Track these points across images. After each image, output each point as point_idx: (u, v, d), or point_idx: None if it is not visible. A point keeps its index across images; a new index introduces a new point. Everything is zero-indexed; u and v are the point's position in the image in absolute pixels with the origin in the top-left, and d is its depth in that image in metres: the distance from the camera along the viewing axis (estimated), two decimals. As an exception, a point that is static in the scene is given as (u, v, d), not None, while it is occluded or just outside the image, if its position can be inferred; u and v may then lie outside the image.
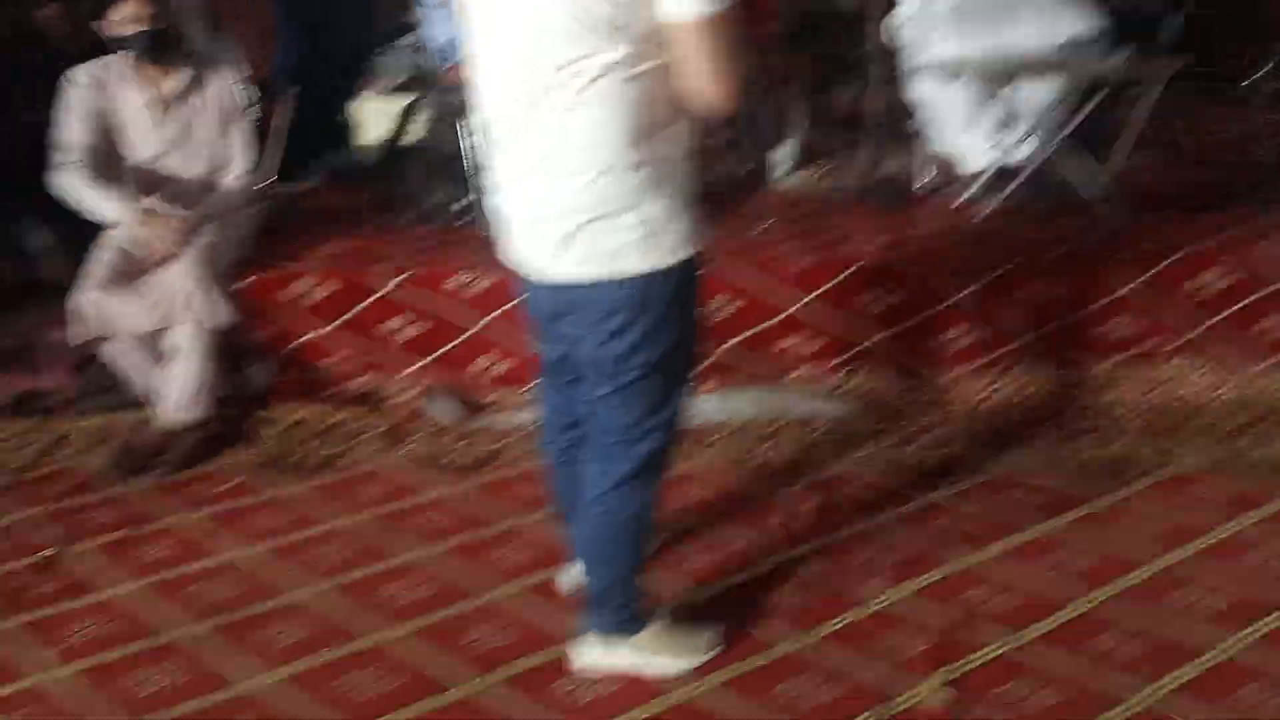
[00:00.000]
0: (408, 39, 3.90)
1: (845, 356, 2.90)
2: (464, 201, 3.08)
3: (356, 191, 3.53)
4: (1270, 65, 3.02)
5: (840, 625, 2.09)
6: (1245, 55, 3.35)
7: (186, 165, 2.89)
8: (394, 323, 2.89)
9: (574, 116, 1.55)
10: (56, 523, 2.53)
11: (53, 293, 3.86)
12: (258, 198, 2.98)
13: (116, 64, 2.84)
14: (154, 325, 2.71)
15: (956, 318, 2.88)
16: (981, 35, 3.03)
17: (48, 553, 2.39)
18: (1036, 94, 3.02)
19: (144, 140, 2.86)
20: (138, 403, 2.98)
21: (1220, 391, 2.82)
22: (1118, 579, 2.19)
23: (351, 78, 3.93)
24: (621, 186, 1.59)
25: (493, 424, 2.89)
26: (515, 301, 2.79)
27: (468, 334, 2.89)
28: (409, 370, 2.95)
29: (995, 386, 2.88)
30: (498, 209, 1.77)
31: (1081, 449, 2.70)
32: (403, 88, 3.79)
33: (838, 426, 2.79)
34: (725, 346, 2.87)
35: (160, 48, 2.77)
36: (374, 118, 3.78)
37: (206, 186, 2.91)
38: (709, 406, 2.73)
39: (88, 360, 3.07)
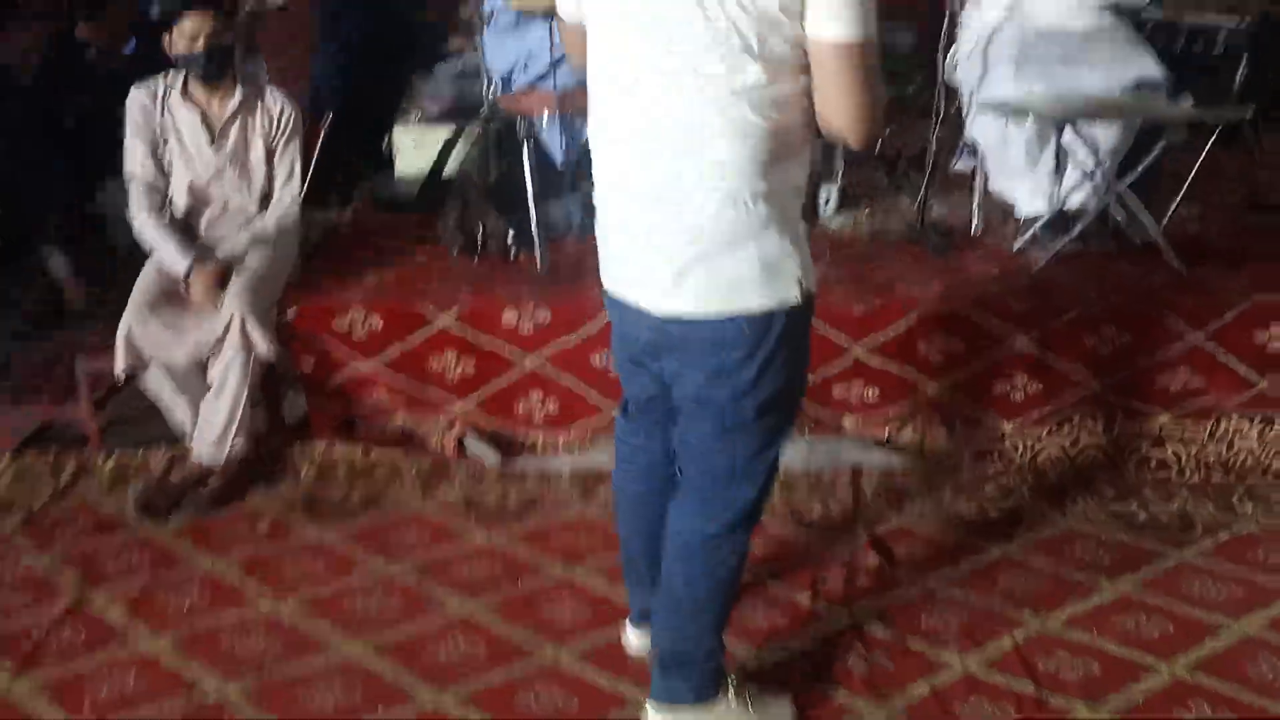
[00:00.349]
0: (450, 67, 3.85)
1: (900, 405, 2.81)
2: (514, 233, 2.99)
3: (398, 220, 3.44)
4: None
5: (917, 698, 1.99)
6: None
7: (237, 189, 2.81)
8: (442, 359, 2.79)
9: (705, 141, 1.47)
10: (76, 567, 2.41)
11: (73, 320, 3.80)
12: (301, 224, 2.89)
13: (169, 83, 2.77)
14: (199, 356, 2.62)
15: (1014, 366, 2.80)
16: (1045, 75, 2.97)
17: (66, 603, 2.27)
18: (1097, 138, 2.96)
19: (196, 163, 2.77)
20: (165, 437, 2.87)
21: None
22: (1194, 648, 2.10)
23: (391, 105, 3.86)
24: (747, 217, 1.50)
25: (533, 468, 2.79)
26: (569, 340, 2.74)
27: (516, 372, 2.79)
28: (452, 409, 2.84)
29: (1053, 437, 2.80)
30: (606, 237, 1.68)
31: (1143, 504, 2.63)
32: (445, 117, 3.71)
33: (893, 478, 2.71)
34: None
35: (219, 67, 2.70)
36: (413, 147, 3.70)
37: (252, 211, 2.83)
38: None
39: (111, 392, 2.97)
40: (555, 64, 2.85)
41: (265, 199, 2.85)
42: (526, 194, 2.89)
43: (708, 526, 1.72)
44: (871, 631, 2.17)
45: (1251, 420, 2.80)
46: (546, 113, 2.93)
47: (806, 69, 1.46)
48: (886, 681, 2.02)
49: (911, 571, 2.38)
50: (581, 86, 3.06)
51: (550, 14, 2.81)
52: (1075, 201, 3.06)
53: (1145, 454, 2.79)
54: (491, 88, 3.16)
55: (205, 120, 2.76)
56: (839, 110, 1.45)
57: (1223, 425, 2.79)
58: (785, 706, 1.92)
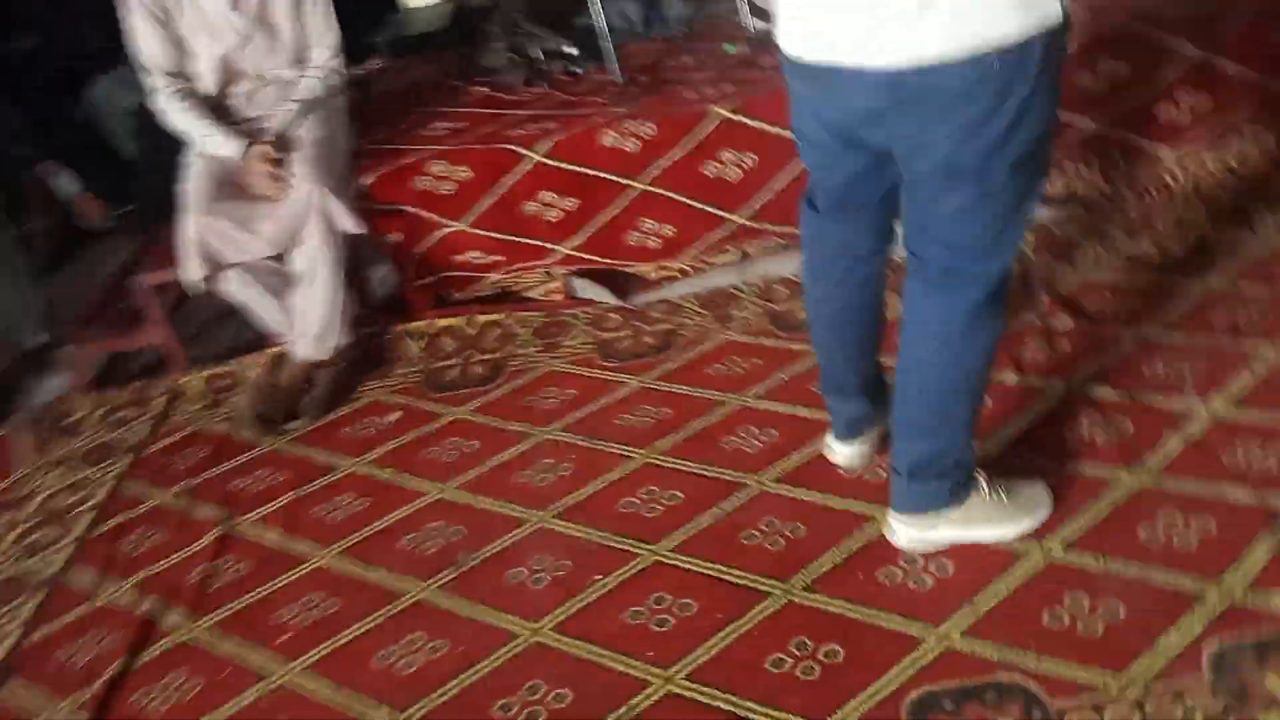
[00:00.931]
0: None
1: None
2: (577, 47, 2.63)
3: (429, 64, 3.05)
4: None
5: (1174, 453, 1.79)
6: None
7: (268, 56, 2.43)
8: (538, 201, 2.49)
9: None
10: (208, 500, 2.21)
11: (95, 243, 3.50)
12: (347, 82, 2.53)
13: None
14: (280, 247, 2.32)
15: (1176, 83, 2.48)
16: None
17: (215, 533, 2.08)
18: None
19: (218, 33, 2.39)
20: (247, 345, 2.64)
21: None
22: None
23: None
24: None
25: (654, 302, 2.54)
26: (678, 152, 2.42)
27: (623, 200, 2.49)
28: (552, 256, 2.56)
29: (1216, 156, 2.52)
30: None
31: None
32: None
33: (1050, 233, 2.44)
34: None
35: None
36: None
37: (291, 77, 2.47)
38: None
39: (177, 306, 2.71)
40: None
41: (300, 62, 2.48)
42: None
43: (959, 308, 1.47)
44: (1098, 395, 1.96)
45: None
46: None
47: None
48: (1133, 444, 1.82)
49: (1115, 325, 2.15)
50: None
51: None
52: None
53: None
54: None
55: None
56: None
57: None
58: (1040, 489, 1.72)
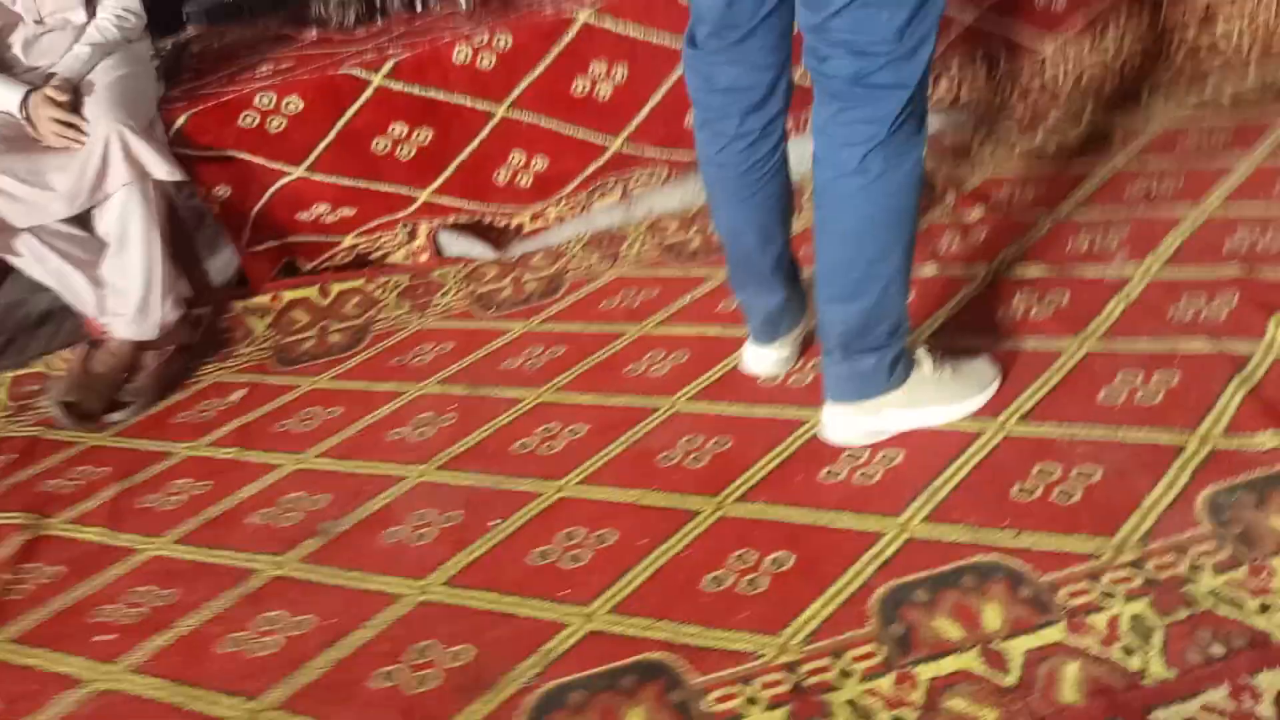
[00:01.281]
0: None
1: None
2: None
3: (254, 29, 2.71)
4: None
5: (1120, 306, 1.64)
6: None
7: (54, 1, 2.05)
8: (389, 135, 2.17)
9: None
10: (8, 508, 1.80)
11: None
12: (147, 29, 2.17)
13: None
14: (77, 205, 1.94)
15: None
16: None
17: (18, 539, 1.70)
18: None
19: None
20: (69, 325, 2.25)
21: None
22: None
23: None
24: None
25: (538, 245, 2.28)
26: (541, 66, 2.16)
27: (487, 129, 2.21)
28: (412, 204, 2.26)
29: (1094, 53, 2.44)
30: None
31: (1219, 86, 2.32)
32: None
33: (941, 140, 2.30)
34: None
35: None
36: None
37: (80, 20, 2.09)
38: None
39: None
40: None
41: (90, 3, 2.10)
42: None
43: (873, 128, 1.26)
44: (1026, 274, 1.79)
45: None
46: None
47: None
48: (1072, 313, 1.66)
49: (1027, 210, 2.02)
50: None
51: None
52: None
53: (1194, 41, 2.48)
54: None
55: None
56: None
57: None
58: (986, 363, 1.53)
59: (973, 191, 2.13)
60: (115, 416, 2.01)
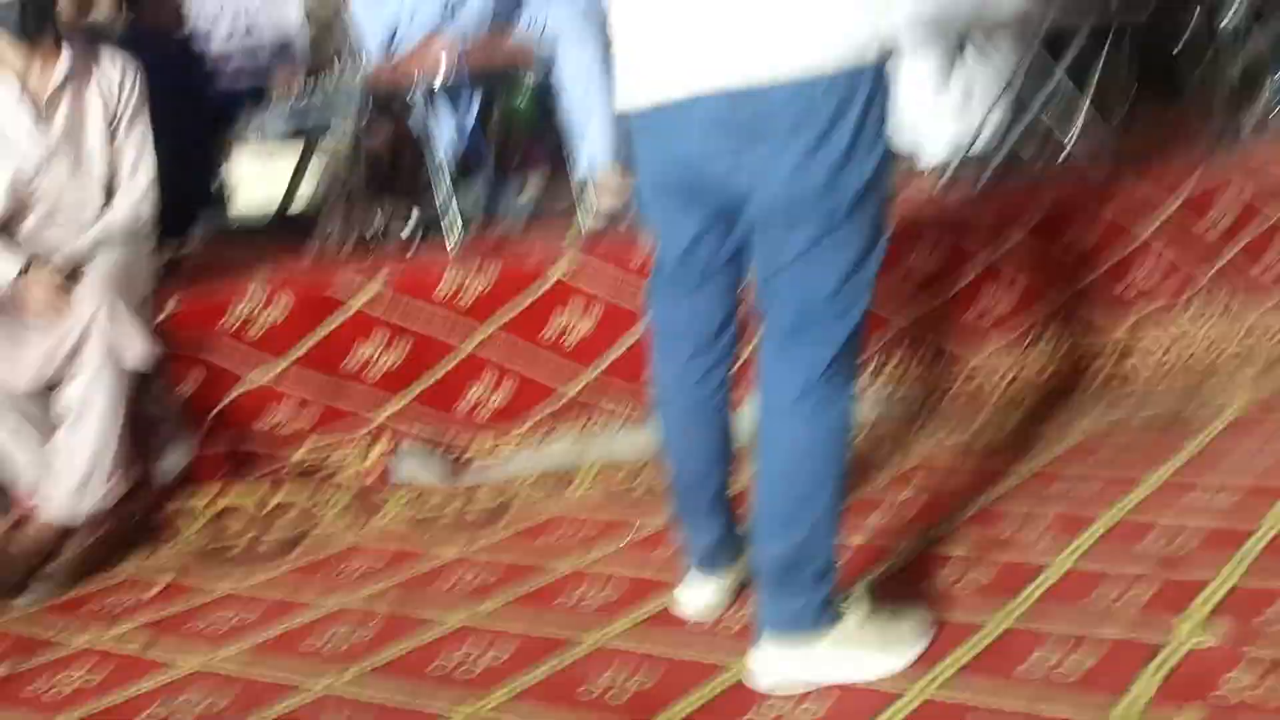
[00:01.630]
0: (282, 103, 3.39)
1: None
2: (417, 219, 2.58)
3: (255, 248, 2.89)
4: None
5: (1040, 589, 1.70)
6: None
7: (71, 180, 2.19)
8: (364, 349, 2.27)
9: None
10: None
11: None
12: (155, 225, 2.31)
13: None
14: (46, 374, 1.97)
15: (968, 296, 2.67)
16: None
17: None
18: (998, 66, 2.96)
19: (19, 149, 2.15)
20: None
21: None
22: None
23: (216, 137, 3.34)
24: None
25: (488, 477, 2.33)
26: (519, 303, 2.33)
27: (456, 356, 2.33)
28: (375, 418, 2.32)
29: (1021, 364, 2.68)
30: (640, 32, 1.42)
31: (1134, 407, 2.53)
32: (290, 139, 3.24)
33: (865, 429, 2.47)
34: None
35: (37, 17, 2.12)
36: (254, 179, 3.21)
37: (92, 211, 2.23)
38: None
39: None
40: (453, 7, 2.51)
41: (108, 192, 2.26)
42: (431, 171, 2.50)
43: (809, 370, 1.40)
44: (953, 553, 1.86)
45: (1211, 306, 2.80)
46: (444, 66, 2.56)
47: None
48: (993, 590, 1.71)
49: (954, 498, 2.12)
50: (488, 30, 2.73)
51: None
52: (988, 132, 3.03)
53: (1111, 369, 2.73)
54: (362, 67, 2.76)
55: (25, 95, 2.15)
56: None
57: (1185, 317, 2.77)
58: (919, 616, 1.57)
59: (903, 474, 2.25)
60: (20, 601, 1.93)
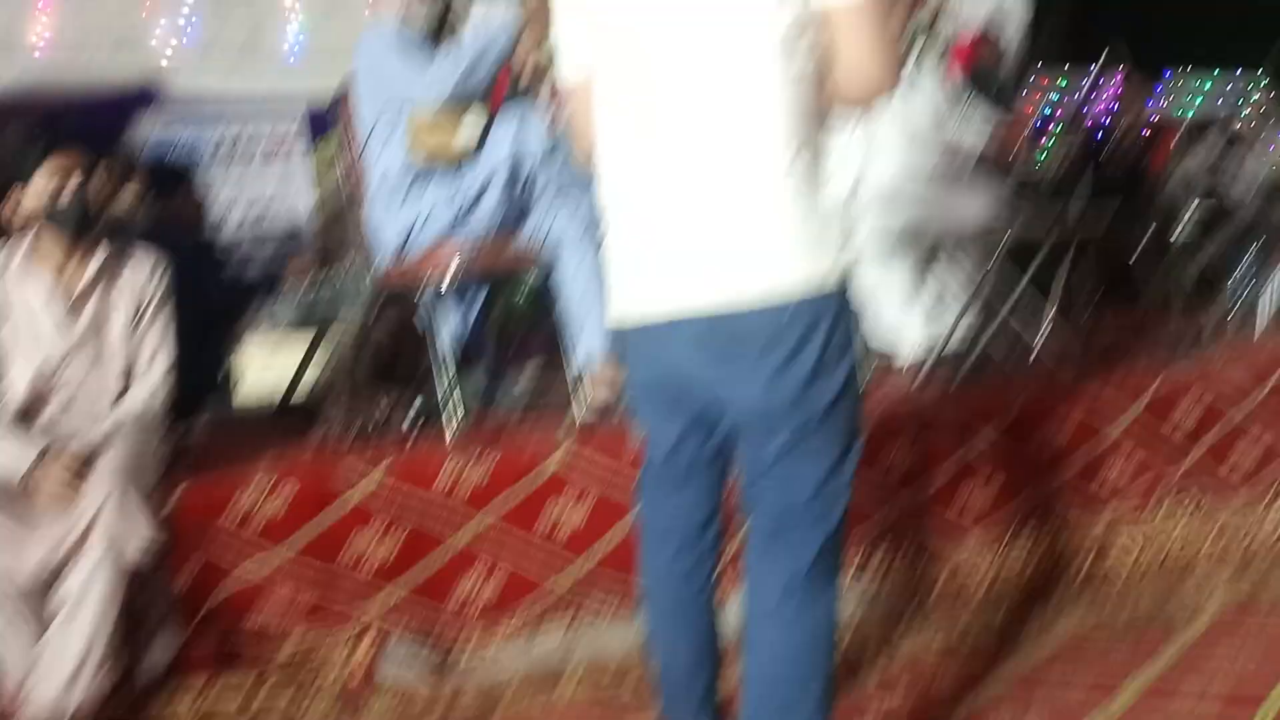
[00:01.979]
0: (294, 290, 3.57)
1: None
2: (419, 408, 2.68)
3: (258, 434, 2.97)
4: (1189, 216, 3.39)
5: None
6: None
7: (92, 369, 2.29)
8: (361, 540, 2.31)
9: (736, 115, 1.44)
10: None
11: None
12: (167, 417, 2.40)
13: (11, 249, 2.31)
14: (50, 564, 2.00)
15: (947, 493, 2.75)
16: (916, 212, 3.18)
17: None
18: (966, 271, 3.17)
19: (45, 343, 2.25)
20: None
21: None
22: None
23: (227, 324, 3.48)
24: (787, 187, 1.44)
25: (474, 677, 2.32)
26: (518, 492, 2.40)
27: (452, 547, 2.37)
28: (365, 613, 2.33)
29: (1004, 560, 2.74)
30: (628, 254, 1.55)
31: (1114, 608, 2.58)
32: (299, 328, 3.38)
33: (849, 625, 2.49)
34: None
35: (87, 219, 2.27)
36: (261, 367, 3.33)
37: (108, 399, 2.32)
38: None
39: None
40: (464, 214, 2.69)
41: (125, 381, 2.35)
42: (434, 362, 2.62)
43: (796, 571, 1.49)
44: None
45: (1177, 508, 2.89)
46: (453, 267, 2.72)
47: (812, 49, 1.46)
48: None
49: (941, 702, 2.14)
50: (495, 236, 2.90)
51: (455, 161, 2.73)
52: (959, 335, 3.20)
53: (1089, 569, 2.79)
54: (373, 264, 2.93)
55: (58, 289, 2.28)
56: (868, 68, 1.46)
57: (1154, 518, 2.86)
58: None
59: (889, 678, 2.26)
60: (-4, 798, 1.89)
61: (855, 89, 1.49)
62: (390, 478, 2.36)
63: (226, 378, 3.39)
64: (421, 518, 2.37)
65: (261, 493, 2.29)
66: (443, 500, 2.38)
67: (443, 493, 2.39)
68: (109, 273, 2.36)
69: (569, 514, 2.45)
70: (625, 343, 1.60)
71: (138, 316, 2.37)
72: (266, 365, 3.36)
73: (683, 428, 1.59)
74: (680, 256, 1.48)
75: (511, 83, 2.94)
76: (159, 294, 2.40)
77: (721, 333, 1.45)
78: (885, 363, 3.38)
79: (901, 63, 1.56)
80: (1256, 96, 8.92)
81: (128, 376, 2.36)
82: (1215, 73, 9.15)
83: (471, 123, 2.71)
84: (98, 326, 2.32)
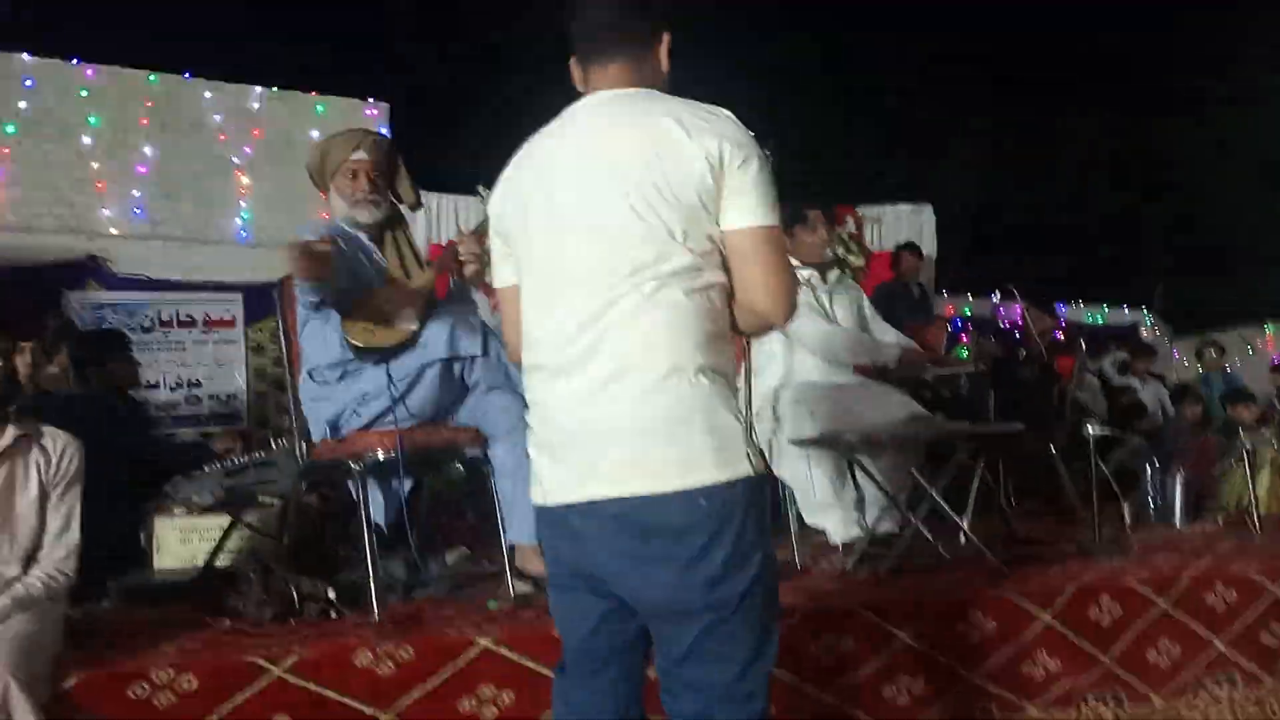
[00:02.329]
0: (218, 468, 3.50)
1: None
2: (336, 592, 2.59)
3: (171, 612, 2.82)
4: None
5: None
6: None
7: None
8: None
9: (644, 320, 1.51)
10: None
11: None
12: (69, 593, 2.28)
13: None
14: None
15: (882, 676, 2.71)
16: (834, 419, 3.29)
17: None
18: (887, 469, 3.26)
19: None
20: None
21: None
22: None
23: (152, 489, 3.38)
24: (693, 391, 1.51)
25: None
26: (438, 679, 2.29)
27: None
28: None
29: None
30: (550, 441, 1.59)
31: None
32: (217, 508, 3.29)
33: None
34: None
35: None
36: (179, 540, 3.21)
37: (10, 574, 2.22)
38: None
39: None
40: (399, 400, 2.69)
41: (28, 558, 2.27)
42: (359, 542, 2.57)
43: None
44: None
45: (1104, 701, 2.87)
46: (383, 449, 2.70)
47: (720, 265, 1.57)
48: None
49: None
50: (423, 422, 2.90)
51: (394, 352, 2.77)
52: (884, 527, 3.26)
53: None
54: (303, 444, 2.89)
55: None
56: (767, 291, 1.55)
57: (1083, 711, 2.83)
58: None
59: None
60: None
61: (753, 311, 1.58)
62: (307, 659, 2.25)
63: (148, 542, 3.25)
64: (342, 699, 2.25)
65: (169, 673, 2.16)
66: (364, 681, 2.27)
67: (363, 672, 2.28)
68: (18, 451, 2.33)
69: (496, 694, 2.34)
70: (547, 524, 1.62)
71: (44, 496, 2.32)
72: (186, 536, 3.24)
73: (600, 614, 1.59)
74: (599, 443, 1.52)
75: (455, 276, 3.03)
76: (69, 474, 2.36)
77: (639, 517, 1.49)
78: (820, 539, 3.41)
79: (793, 295, 1.66)
80: (1144, 331, 9.62)
81: (32, 554, 2.29)
82: (1104, 307, 9.90)
83: (408, 316, 2.78)
84: (3, 503, 2.26)
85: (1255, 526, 4.03)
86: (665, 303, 1.51)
